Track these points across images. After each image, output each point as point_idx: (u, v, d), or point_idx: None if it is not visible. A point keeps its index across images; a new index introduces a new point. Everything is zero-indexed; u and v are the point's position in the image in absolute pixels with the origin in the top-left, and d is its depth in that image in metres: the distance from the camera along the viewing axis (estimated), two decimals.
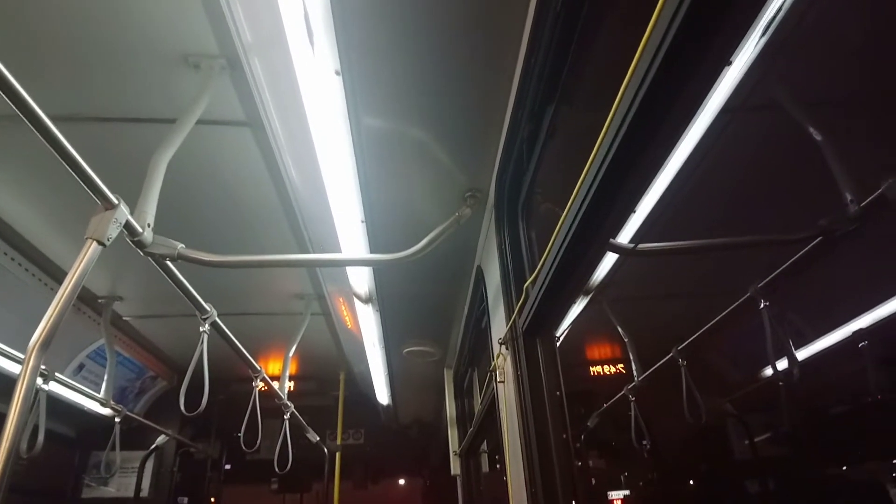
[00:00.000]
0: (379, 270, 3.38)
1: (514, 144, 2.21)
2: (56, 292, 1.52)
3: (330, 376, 6.26)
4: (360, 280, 3.42)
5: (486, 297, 3.00)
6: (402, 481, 10.75)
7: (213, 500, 7.07)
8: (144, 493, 5.64)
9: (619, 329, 3.95)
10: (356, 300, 3.66)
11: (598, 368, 5.22)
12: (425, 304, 4.08)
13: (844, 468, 3.97)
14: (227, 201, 3.05)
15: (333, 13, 1.71)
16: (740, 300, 2.62)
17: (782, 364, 2.39)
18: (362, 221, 2.77)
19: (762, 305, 2.45)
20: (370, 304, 3.74)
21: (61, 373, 3.96)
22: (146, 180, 1.99)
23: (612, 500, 5.38)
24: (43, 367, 1.43)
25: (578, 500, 1.85)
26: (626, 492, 5.44)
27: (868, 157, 2.13)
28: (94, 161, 1.60)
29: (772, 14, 1.65)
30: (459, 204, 2.70)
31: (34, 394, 1.85)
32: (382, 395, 5.96)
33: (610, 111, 1.22)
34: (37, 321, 1.45)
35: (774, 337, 2.37)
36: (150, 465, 5.74)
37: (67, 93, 2.33)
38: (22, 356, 1.40)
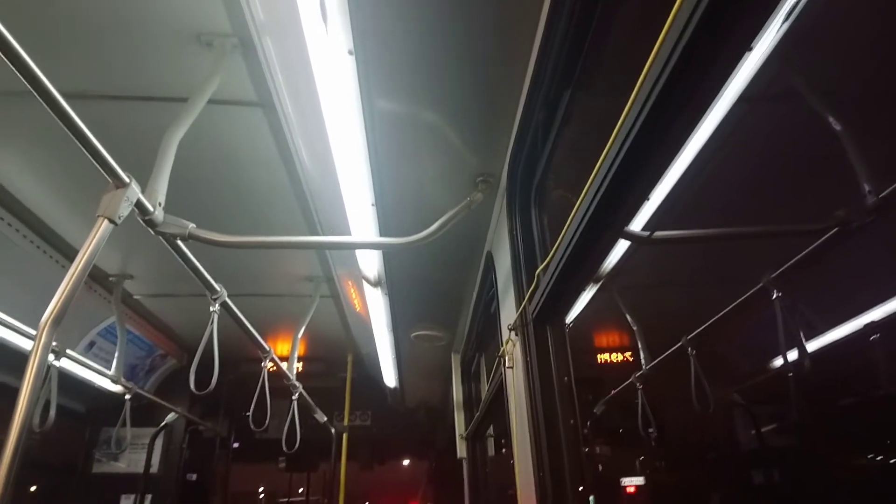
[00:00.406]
0: (388, 254, 3.38)
1: (528, 129, 2.18)
2: (67, 269, 1.52)
3: (338, 358, 6.29)
4: (370, 263, 3.42)
5: (496, 283, 2.99)
6: (408, 463, 10.86)
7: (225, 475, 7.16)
8: (154, 469, 5.72)
9: (628, 317, 3.94)
10: (365, 283, 3.67)
11: (606, 356, 5.21)
12: (434, 288, 4.08)
13: (853, 460, 3.96)
14: (236, 182, 3.05)
15: None
16: (752, 290, 2.60)
17: (793, 355, 2.38)
18: (373, 205, 2.76)
19: (775, 296, 2.42)
20: (379, 288, 3.75)
21: (73, 349, 4.00)
22: (157, 159, 1.99)
23: (626, 488, 5.37)
24: (54, 343, 1.44)
25: (587, 486, 1.85)
26: (641, 479, 5.42)
27: (888, 148, 2.09)
28: (105, 139, 1.59)
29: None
30: (471, 189, 2.68)
31: (46, 369, 1.87)
32: (390, 378, 5.99)
33: (628, 97, 1.20)
34: (48, 298, 1.45)
35: (786, 328, 2.36)
36: (159, 441, 5.82)
37: (79, 70, 2.32)
38: (34, 332, 1.41)
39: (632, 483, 5.42)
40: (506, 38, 1.92)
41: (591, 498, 1.84)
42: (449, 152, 2.49)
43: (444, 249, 3.30)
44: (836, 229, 1.99)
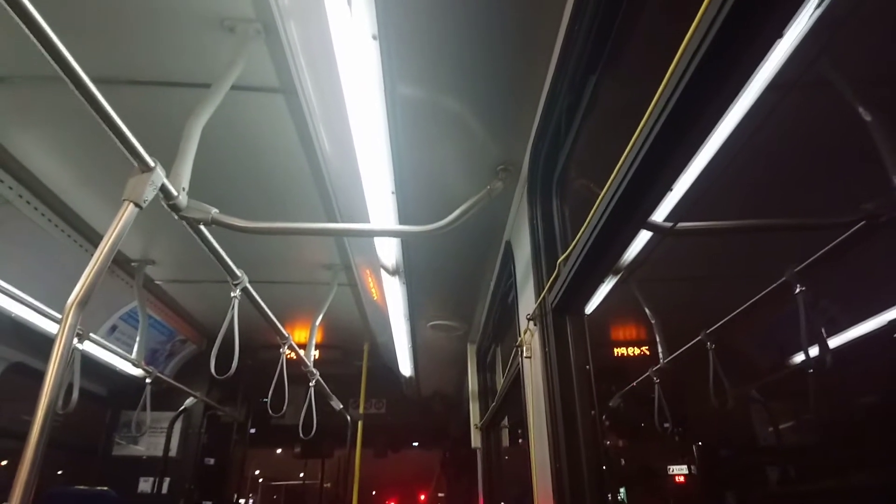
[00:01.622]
0: (407, 243, 3.38)
1: (552, 116, 2.16)
2: (90, 254, 1.54)
3: (355, 346, 6.33)
4: (388, 252, 3.42)
5: (515, 273, 2.98)
6: (422, 451, 10.90)
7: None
8: (173, 452, 5.81)
9: (646, 310, 3.90)
10: (383, 272, 3.67)
11: (623, 349, 5.17)
12: (452, 277, 4.07)
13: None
14: (257, 168, 3.06)
15: None
16: (774, 284, 2.55)
17: (814, 351, 2.33)
18: (392, 192, 2.76)
19: (798, 290, 2.38)
20: (397, 277, 3.75)
21: (95, 333, 4.06)
22: (181, 144, 2.00)
23: (675, 476, 5.28)
24: (78, 326, 1.46)
25: (604, 478, 1.84)
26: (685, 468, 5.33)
27: None
28: (129, 124, 1.60)
29: None
30: (491, 177, 2.67)
31: (70, 352, 1.90)
32: (405, 367, 6.02)
33: (656, 84, 1.18)
34: (71, 281, 1.47)
35: (809, 323, 2.32)
36: (178, 425, 5.91)
37: (103, 55, 2.34)
38: (57, 314, 1.43)
39: (681, 472, 5.32)
40: (531, 24, 1.89)
41: (623, 490, 1.83)
42: (470, 140, 2.47)
43: (462, 238, 3.29)
44: (863, 223, 1.94)
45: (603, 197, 1.54)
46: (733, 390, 3.26)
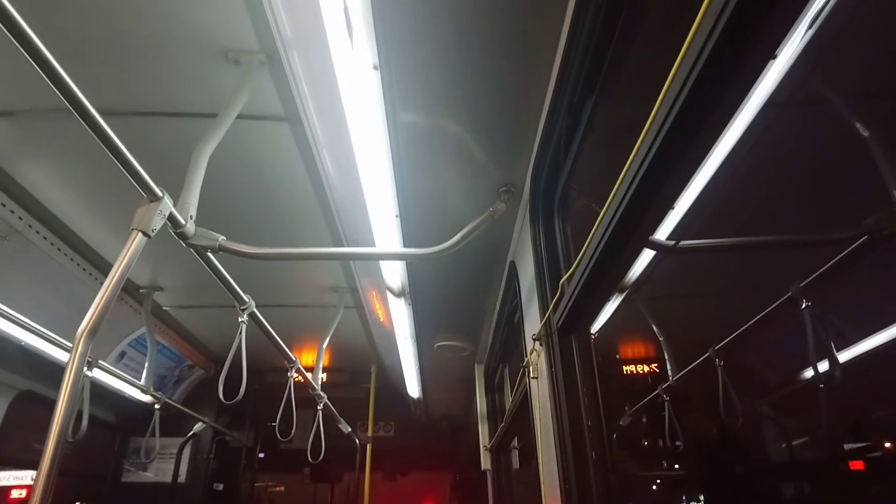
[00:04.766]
0: (412, 265, 3.40)
1: (552, 138, 2.19)
2: (99, 282, 1.56)
3: (362, 368, 6.33)
4: (393, 274, 3.44)
5: (520, 293, 2.99)
6: (431, 474, 10.78)
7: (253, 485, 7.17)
8: (182, 478, 5.80)
9: (654, 327, 3.89)
10: (389, 294, 3.69)
11: (631, 367, 5.13)
12: (457, 298, 4.08)
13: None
14: (263, 195, 3.10)
15: (373, 7, 1.72)
16: (780, 300, 2.55)
17: (823, 366, 2.32)
18: (396, 216, 2.78)
19: (804, 305, 2.38)
20: (402, 298, 3.77)
21: (104, 360, 4.08)
22: (188, 173, 2.04)
23: None
24: (88, 354, 1.48)
25: (614, 497, 1.83)
26: None
27: None
28: (137, 154, 1.63)
29: (819, 6, 1.60)
30: (494, 199, 2.69)
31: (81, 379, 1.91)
32: (413, 389, 6.00)
33: (653, 104, 1.20)
34: (79, 309, 1.49)
35: (816, 338, 2.31)
36: (187, 451, 5.90)
37: (111, 88, 2.39)
38: (66, 343, 1.45)
39: None
40: (529, 48, 1.93)
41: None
42: (472, 163, 2.50)
43: (467, 259, 3.30)
44: (865, 237, 1.95)
45: (603, 217, 1.55)
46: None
